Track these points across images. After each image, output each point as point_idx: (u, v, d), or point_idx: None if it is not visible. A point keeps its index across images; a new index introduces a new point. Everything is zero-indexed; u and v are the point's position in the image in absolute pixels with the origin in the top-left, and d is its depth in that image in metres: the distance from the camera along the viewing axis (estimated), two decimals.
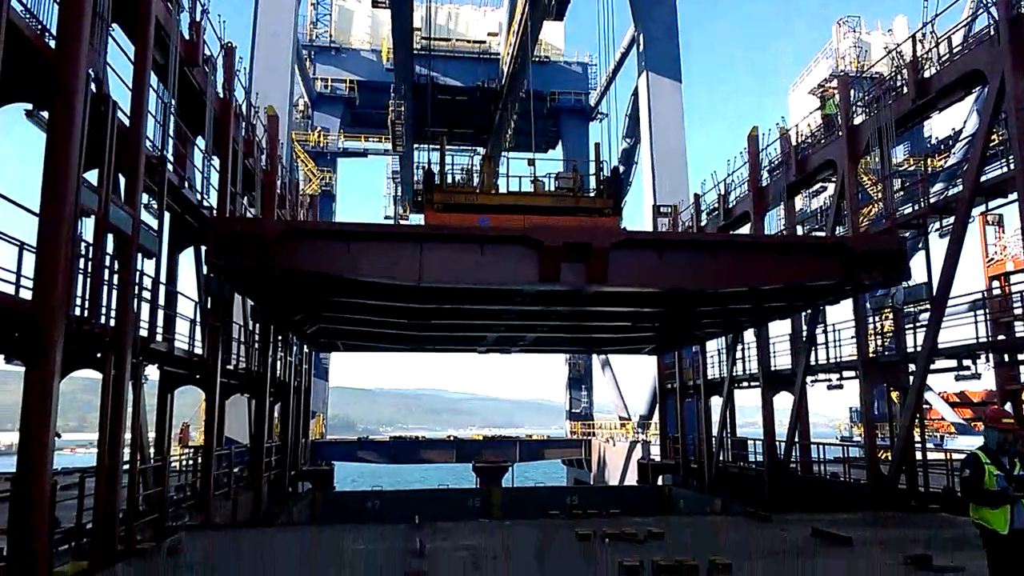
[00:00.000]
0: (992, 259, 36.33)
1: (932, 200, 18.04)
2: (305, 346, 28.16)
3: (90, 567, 9.90)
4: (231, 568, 10.25)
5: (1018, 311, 21.76)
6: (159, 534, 12.67)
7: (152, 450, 14.69)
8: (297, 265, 14.64)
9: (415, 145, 53.60)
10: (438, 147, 59.08)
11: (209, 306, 16.63)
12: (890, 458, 18.22)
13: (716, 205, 27.46)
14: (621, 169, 22.58)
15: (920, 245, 34.23)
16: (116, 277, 11.55)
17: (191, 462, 17.46)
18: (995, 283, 33.62)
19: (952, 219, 16.79)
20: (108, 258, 11.49)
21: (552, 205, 21.05)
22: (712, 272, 16.24)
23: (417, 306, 18.46)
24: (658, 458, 31.59)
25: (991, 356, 17.44)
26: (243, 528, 16.07)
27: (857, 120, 19.56)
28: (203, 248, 16.55)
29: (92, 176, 10.99)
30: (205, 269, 16.40)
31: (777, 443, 22.28)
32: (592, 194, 21.49)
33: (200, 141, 17.07)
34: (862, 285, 17.11)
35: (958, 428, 42.02)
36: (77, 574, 9.42)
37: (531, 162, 22.43)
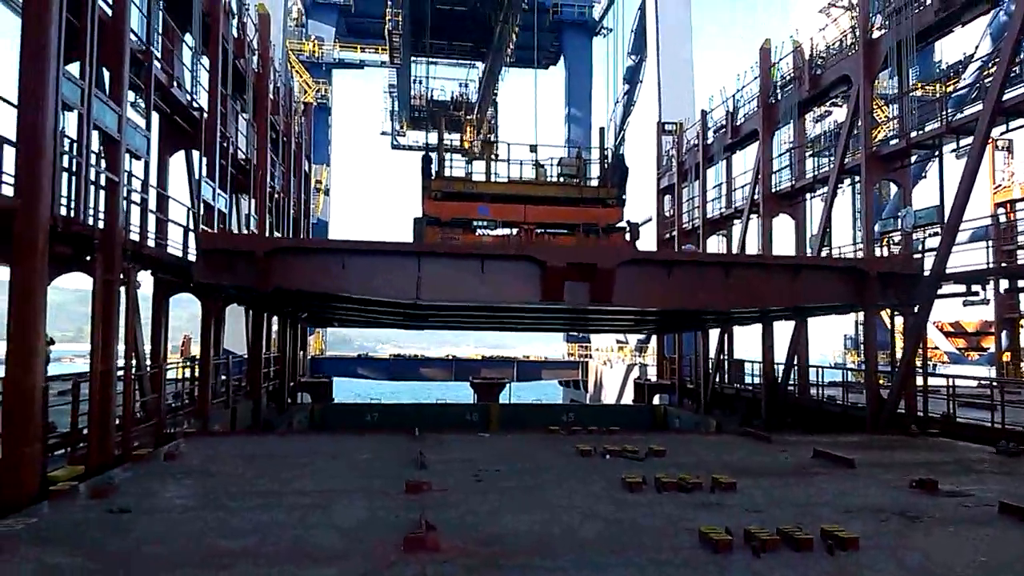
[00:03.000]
0: (999, 185, 35.82)
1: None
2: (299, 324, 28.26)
3: (86, 472, 9.77)
4: (229, 473, 10.11)
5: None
6: (157, 440, 12.58)
7: (149, 358, 14.48)
8: (290, 283, 14.42)
9: (412, 57, 51.88)
10: (436, 61, 56.99)
11: (202, 212, 16.10)
12: (886, 384, 18.19)
13: (723, 123, 26.72)
14: (625, 156, 22.18)
15: (924, 173, 33.63)
16: (103, 177, 11.07)
17: (189, 371, 17.32)
18: (1000, 210, 33.24)
19: (969, 140, 16.23)
20: (94, 157, 10.99)
21: (554, 195, 20.62)
22: (722, 291, 16.14)
23: (414, 311, 18.59)
24: (654, 379, 31.70)
25: (995, 283, 17.24)
26: (241, 435, 16.00)
27: (875, 34, 18.73)
28: (194, 152, 15.96)
29: (74, 70, 10.40)
30: (197, 174, 15.85)
31: (775, 366, 22.22)
32: (595, 183, 21.02)
33: (189, 41, 16.27)
34: (876, 305, 17.07)
35: (951, 357, 42.38)
36: (73, 478, 9.26)
37: (533, 148, 21.81)
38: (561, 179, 21.41)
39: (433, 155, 20.82)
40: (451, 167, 21.20)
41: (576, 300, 15.12)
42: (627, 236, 20.55)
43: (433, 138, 55.99)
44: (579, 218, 20.26)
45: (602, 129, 26.08)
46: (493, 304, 16.54)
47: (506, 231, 20.43)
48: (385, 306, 19.84)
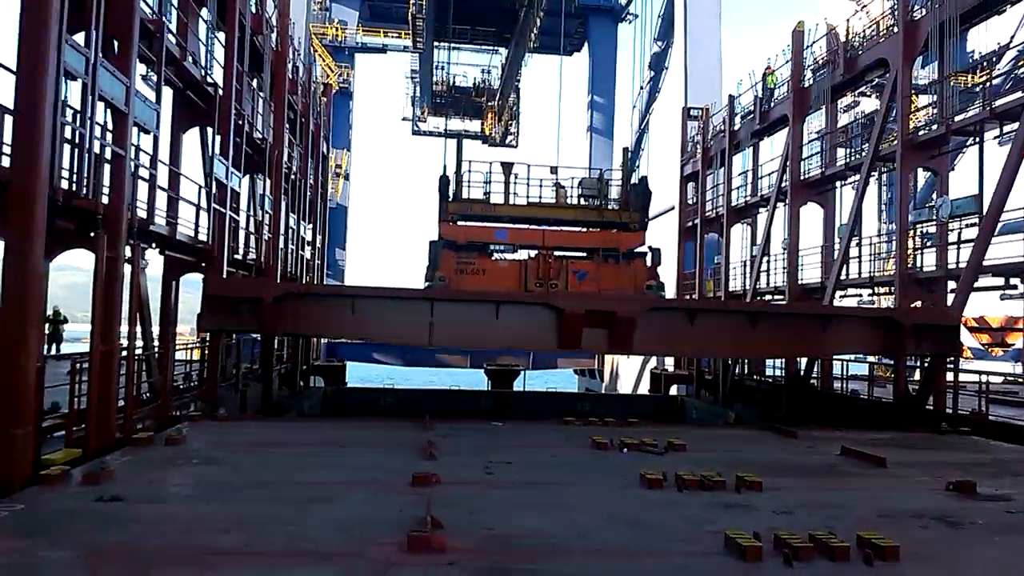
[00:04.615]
0: None
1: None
2: None
3: (83, 455, 9.44)
4: (231, 461, 9.74)
5: None
6: (161, 424, 12.25)
7: (157, 340, 14.15)
8: (298, 328, 14.69)
9: (435, 43, 51.26)
10: (458, 47, 56.43)
11: (215, 191, 15.72)
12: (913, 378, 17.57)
13: (751, 108, 25.97)
14: (648, 180, 21.66)
15: (953, 164, 32.68)
16: (109, 151, 10.69)
17: (200, 353, 17.00)
18: None
19: (1013, 126, 15.48)
20: (100, 130, 10.61)
21: (574, 218, 20.04)
22: (747, 341, 15.76)
23: None
24: (672, 369, 31.09)
25: None
26: (248, 420, 15.63)
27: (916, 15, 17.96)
28: (209, 129, 15.57)
29: (81, 40, 10.01)
30: (211, 151, 15.47)
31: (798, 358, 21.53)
32: (617, 206, 20.47)
33: (205, 15, 15.86)
34: (909, 354, 16.75)
35: (975, 353, 41.34)
36: (69, 462, 8.91)
37: (553, 169, 21.22)
38: (582, 200, 20.84)
39: (451, 175, 20.25)
40: (469, 180, 20.37)
41: (594, 347, 15.05)
42: (648, 262, 19.97)
43: (454, 125, 55.54)
44: (599, 242, 19.75)
45: (626, 149, 25.65)
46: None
47: (524, 254, 19.99)
48: None
